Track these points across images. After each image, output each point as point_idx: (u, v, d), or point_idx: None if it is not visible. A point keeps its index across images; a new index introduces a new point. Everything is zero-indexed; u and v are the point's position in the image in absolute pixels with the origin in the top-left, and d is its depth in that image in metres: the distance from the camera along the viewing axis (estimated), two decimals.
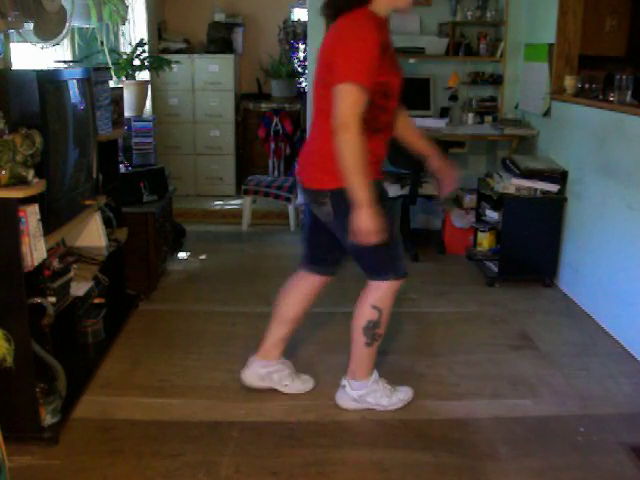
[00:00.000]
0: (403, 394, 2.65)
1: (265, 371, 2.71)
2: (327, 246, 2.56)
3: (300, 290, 2.67)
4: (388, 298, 2.48)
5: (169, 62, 4.38)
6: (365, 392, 2.59)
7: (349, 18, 2.20)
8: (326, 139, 2.24)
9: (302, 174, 2.44)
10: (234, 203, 5.71)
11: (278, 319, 2.71)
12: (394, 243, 2.43)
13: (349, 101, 2.13)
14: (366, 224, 2.17)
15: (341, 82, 2.14)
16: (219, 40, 5.87)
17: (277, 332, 2.70)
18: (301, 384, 2.74)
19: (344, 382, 2.63)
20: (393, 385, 2.67)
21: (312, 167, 2.39)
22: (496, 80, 4.83)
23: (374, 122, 2.25)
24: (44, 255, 2.27)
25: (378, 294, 2.47)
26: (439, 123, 4.48)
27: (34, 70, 2.28)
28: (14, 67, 2.73)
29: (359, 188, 2.15)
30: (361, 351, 2.55)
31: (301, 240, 2.72)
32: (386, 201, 2.42)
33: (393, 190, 4.34)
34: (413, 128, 2.61)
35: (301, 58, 6.10)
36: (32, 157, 2.17)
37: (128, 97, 3.94)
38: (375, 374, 2.62)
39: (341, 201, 2.26)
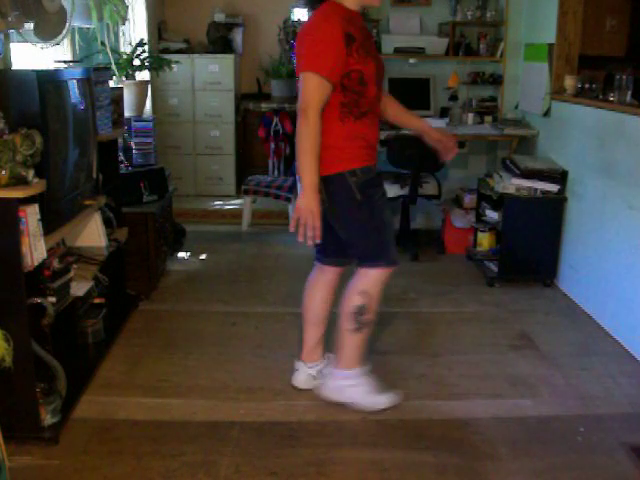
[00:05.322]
0: (385, 398, 2.60)
1: (315, 370, 2.73)
2: (333, 237, 2.54)
3: (324, 286, 2.67)
4: (377, 285, 2.48)
5: (169, 62, 4.38)
6: (347, 384, 2.58)
7: (317, 12, 2.32)
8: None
9: None
10: (234, 203, 5.70)
11: (312, 320, 2.70)
12: (385, 230, 2.45)
13: (309, 88, 2.24)
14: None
15: (303, 71, 2.25)
16: (219, 40, 5.86)
17: (315, 334, 2.72)
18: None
19: (327, 371, 2.65)
20: (382, 388, 2.63)
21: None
22: (496, 80, 4.84)
23: (355, 107, 2.32)
24: (44, 255, 2.26)
25: (367, 280, 2.47)
26: (439, 123, 4.47)
27: (34, 70, 2.28)
28: (14, 67, 2.74)
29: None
30: (349, 338, 2.53)
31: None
32: (378, 187, 2.45)
33: (393, 190, 4.34)
34: (403, 109, 2.69)
35: None
36: (32, 157, 2.17)
37: (128, 97, 3.94)
38: (363, 369, 2.61)
39: (329, 188, 2.35)
